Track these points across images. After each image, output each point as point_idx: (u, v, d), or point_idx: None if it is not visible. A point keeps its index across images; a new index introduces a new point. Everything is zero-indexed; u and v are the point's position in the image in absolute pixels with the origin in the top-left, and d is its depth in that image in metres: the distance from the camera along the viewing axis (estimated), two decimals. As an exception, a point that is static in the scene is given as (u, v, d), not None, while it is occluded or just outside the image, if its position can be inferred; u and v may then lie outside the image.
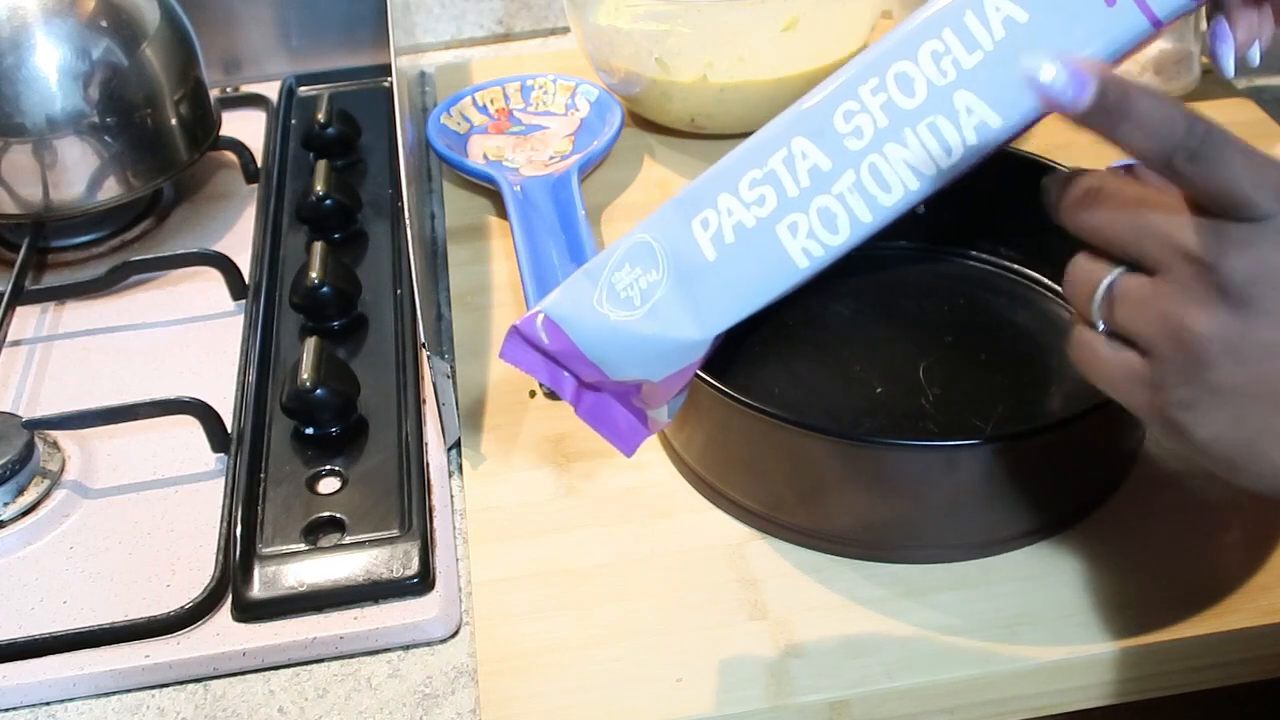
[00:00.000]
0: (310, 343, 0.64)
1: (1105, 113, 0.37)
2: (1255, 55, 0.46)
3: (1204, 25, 0.87)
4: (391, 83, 0.83)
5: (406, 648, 0.55)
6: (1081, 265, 0.42)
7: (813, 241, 0.44)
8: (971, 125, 0.43)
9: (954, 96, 0.42)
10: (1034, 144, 0.66)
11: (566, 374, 0.49)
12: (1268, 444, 0.39)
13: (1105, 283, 0.41)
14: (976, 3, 0.42)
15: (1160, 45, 0.83)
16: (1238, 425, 0.38)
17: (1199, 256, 0.38)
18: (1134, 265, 0.40)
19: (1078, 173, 0.42)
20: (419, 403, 0.65)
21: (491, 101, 0.87)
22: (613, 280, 0.47)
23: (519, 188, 0.77)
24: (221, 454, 0.63)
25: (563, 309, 0.48)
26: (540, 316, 0.48)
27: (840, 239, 0.44)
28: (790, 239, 0.44)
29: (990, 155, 0.44)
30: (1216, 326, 0.38)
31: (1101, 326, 0.41)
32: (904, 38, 0.44)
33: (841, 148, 0.43)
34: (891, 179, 0.43)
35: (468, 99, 0.86)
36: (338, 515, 0.58)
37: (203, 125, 0.82)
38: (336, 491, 0.60)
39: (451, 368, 0.63)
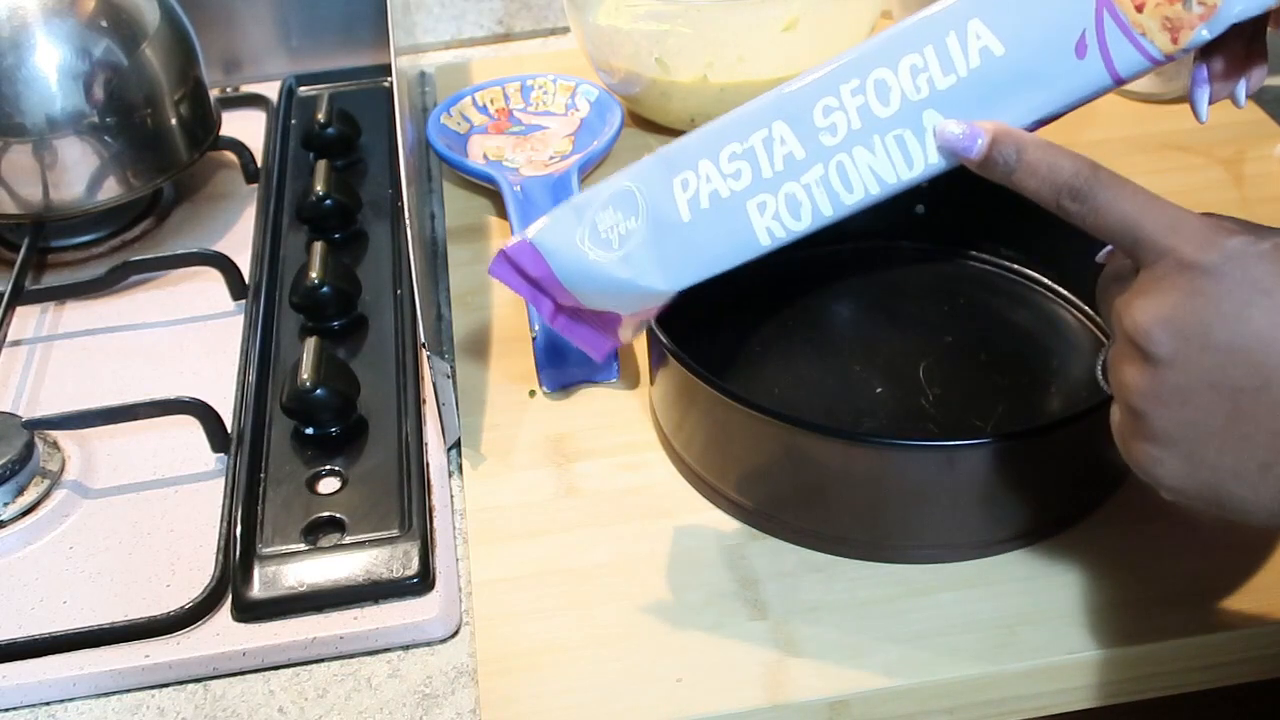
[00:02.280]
0: (310, 343, 0.64)
1: (998, 163, 0.42)
2: (1241, 96, 0.47)
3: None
4: (391, 83, 0.83)
5: (406, 648, 0.55)
6: None
7: (776, 223, 0.47)
8: (934, 146, 0.45)
9: (923, 114, 0.45)
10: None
11: (545, 297, 0.52)
12: (1229, 483, 0.39)
13: (1104, 350, 0.44)
14: (961, 25, 0.44)
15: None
16: (1194, 469, 0.40)
17: (1119, 314, 0.41)
18: None
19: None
20: (419, 403, 0.65)
21: (491, 101, 0.87)
22: (596, 220, 0.49)
23: (519, 188, 0.77)
24: (221, 454, 0.63)
25: (546, 240, 0.50)
26: (526, 244, 0.51)
27: (801, 225, 0.47)
28: (758, 216, 0.47)
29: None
30: (1137, 379, 0.40)
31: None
32: (891, 42, 0.45)
33: (816, 141, 0.46)
34: (855, 181, 0.46)
35: (468, 99, 0.86)
36: (338, 515, 0.59)
37: (203, 125, 0.82)
38: (336, 491, 0.60)
39: (451, 368, 0.63)
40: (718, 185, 0.47)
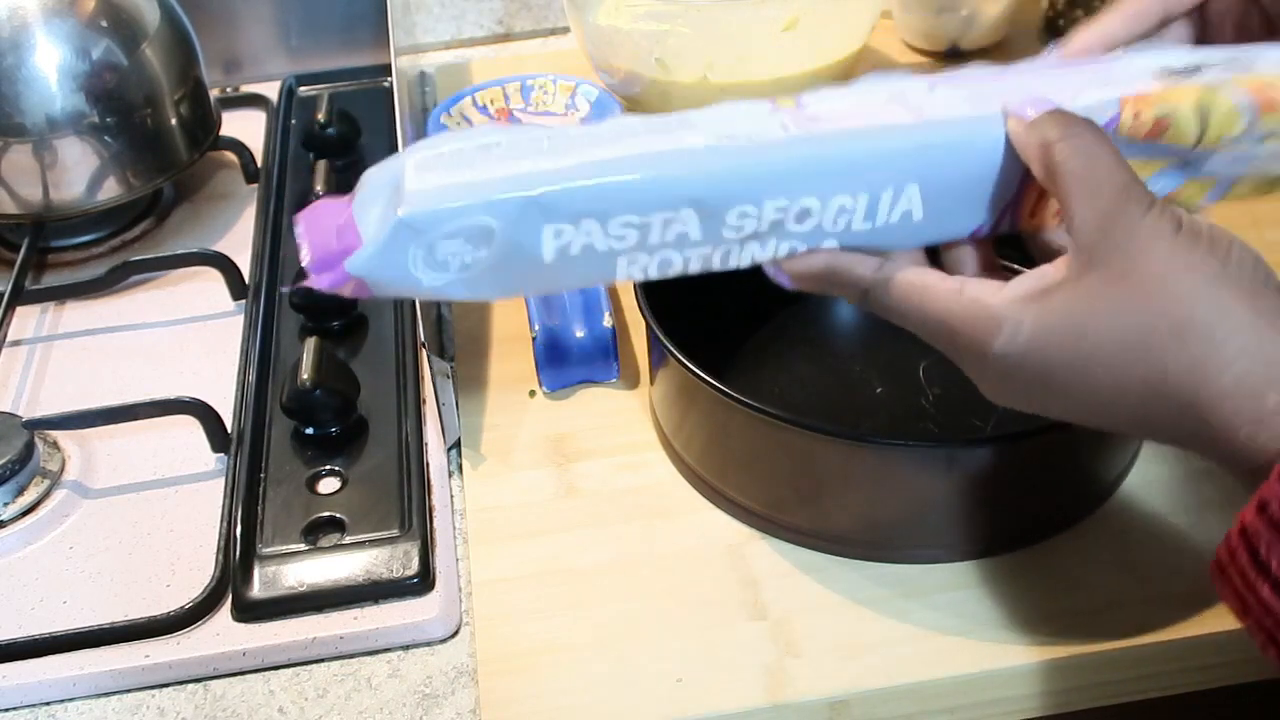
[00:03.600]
0: (310, 343, 0.64)
1: (812, 285, 0.46)
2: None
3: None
4: (391, 83, 0.83)
5: (406, 648, 0.55)
6: None
7: (639, 271, 0.46)
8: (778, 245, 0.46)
9: (824, 240, 0.45)
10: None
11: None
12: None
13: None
14: (901, 185, 0.44)
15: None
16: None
17: (1016, 301, 0.43)
18: None
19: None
20: (419, 403, 0.65)
21: (491, 102, 0.87)
22: (436, 245, 0.44)
23: (519, 188, 0.77)
24: (221, 454, 0.63)
25: (373, 269, 0.44)
26: (348, 264, 0.44)
27: (664, 275, 0.46)
28: (624, 265, 0.45)
29: None
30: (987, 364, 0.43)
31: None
32: (832, 171, 0.44)
33: (718, 234, 0.45)
34: (734, 261, 0.46)
35: (468, 99, 0.86)
36: (338, 515, 0.59)
37: (203, 125, 0.82)
38: (336, 491, 0.60)
39: (451, 368, 0.63)
40: (595, 241, 0.44)
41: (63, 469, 0.63)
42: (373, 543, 0.57)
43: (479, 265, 0.44)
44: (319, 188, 0.77)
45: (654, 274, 0.46)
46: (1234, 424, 0.38)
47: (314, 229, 0.46)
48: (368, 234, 0.44)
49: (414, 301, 0.62)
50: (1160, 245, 0.39)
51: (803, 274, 0.46)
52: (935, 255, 0.47)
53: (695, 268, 0.46)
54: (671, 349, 0.56)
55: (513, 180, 0.43)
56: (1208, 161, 0.46)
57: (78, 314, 0.75)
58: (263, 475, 0.61)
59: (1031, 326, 0.41)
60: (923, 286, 0.44)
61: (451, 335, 0.70)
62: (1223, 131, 0.44)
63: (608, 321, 0.65)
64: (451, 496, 0.61)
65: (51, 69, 0.74)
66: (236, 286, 0.74)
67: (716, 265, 0.46)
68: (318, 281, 0.45)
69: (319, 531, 0.58)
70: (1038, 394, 0.42)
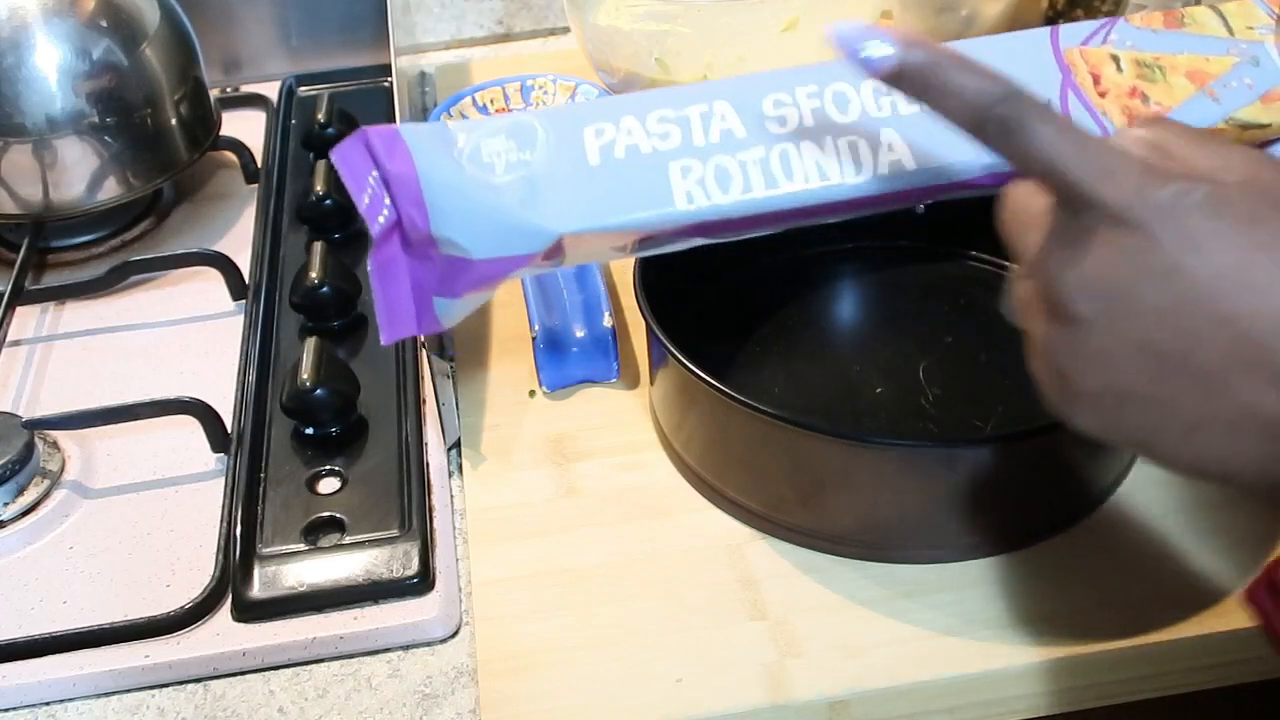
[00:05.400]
0: (310, 343, 0.64)
1: (912, 79, 0.37)
2: None
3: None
4: (391, 83, 0.83)
5: (406, 648, 0.55)
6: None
7: (700, 189, 0.43)
8: (888, 160, 0.44)
9: (882, 131, 0.43)
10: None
11: (388, 204, 0.44)
12: (1150, 438, 0.37)
13: (1008, 281, 0.41)
14: None
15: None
16: (1115, 423, 0.38)
17: (1039, 262, 0.38)
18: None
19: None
20: (419, 403, 0.65)
21: (491, 101, 0.87)
22: (481, 144, 0.44)
23: (519, 188, 0.77)
24: (221, 454, 0.63)
25: (420, 138, 0.44)
26: (392, 130, 0.44)
27: (727, 199, 0.43)
28: (679, 179, 0.43)
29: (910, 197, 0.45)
30: (1056, 338, 0.37)
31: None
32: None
33: (762, 126, 0.43)
34: (797, 169, 0.43)
35: (468, 99, 0.86)
36: (338, 515, 0.59)
37: (203, 125, 0.82)
38: (336, 491, 0.60)
39: (451, 368, 0.63)
40: (639, 140, 0.43)
41: (63, 469, 0.63)
42: (373, 543, 0.57)
43: (525, 168, 0.43)
44: (319, 188, 0.77)
45: (713, 192, 0.43)
46: None
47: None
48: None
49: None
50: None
51: (910, 45, 0.37)
52: None
53: (757, 181, 0.43)
54: (671, 349, 0.56)
55: (547, 108, 0.44)
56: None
57: (78, 314, 0.75)
58: (263, 475, 0.61)
59: (1197, 204, 0.35)
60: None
61: (451, 335, 0.70)
62: (1246, 20, 0.43)
63: (608, 321, 0.65)
64: (451, 496, 0.61)
65: (51, 69, 0.74)
66: (236, 286, 0.74)
67: (781, 178, 0.43)
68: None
69: (319, 531, 0.58)
70: (1145, 289, 0.35)
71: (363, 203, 0.45)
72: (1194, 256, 0.35)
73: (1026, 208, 0.39)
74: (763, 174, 0.43)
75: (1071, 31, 0.46)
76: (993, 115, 0.36)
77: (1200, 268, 0.35)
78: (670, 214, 0.44)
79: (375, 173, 0.44)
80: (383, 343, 0.48)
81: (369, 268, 0.46)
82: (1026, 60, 0.44)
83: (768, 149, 0.43)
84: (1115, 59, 0.45)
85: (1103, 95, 0.44)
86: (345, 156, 0.44)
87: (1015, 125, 0.36)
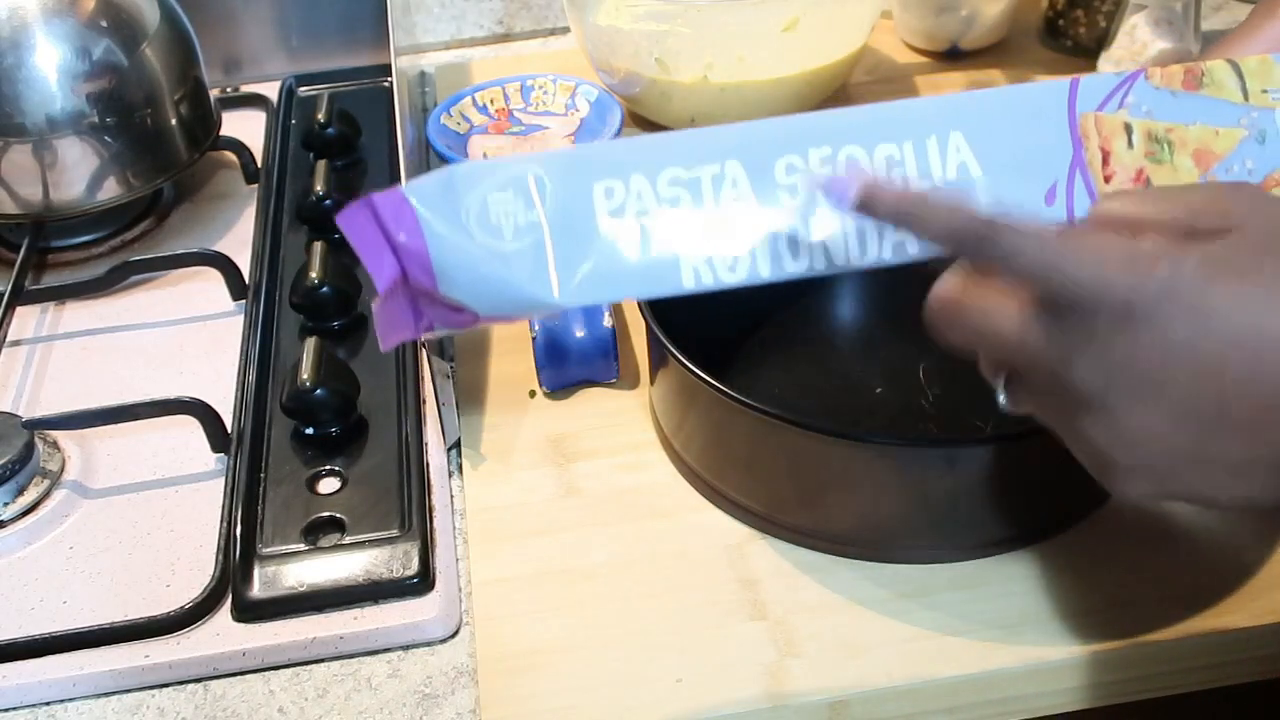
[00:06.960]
0: (310, 343, 0.64)
1: (889, 214, 0.40)
2: None
3: (1203, 25, 0.88)
4: (391, 83, 0.83)
5: (406, 648, 0.55)
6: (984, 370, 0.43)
7: (708, 269, 0.43)
8: (890, 242, 0.44)
9: None
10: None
11: (399, 270, 0.44)
12: (1198, 488, 0.39)
13: (1000, 385, 0.43)
14: (943, 132, 0.43)
15: (1160, 45, 0.83)
16: (1163, 486, 0.39)
17: (1038, 367, 0.39)
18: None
19: (942, 281, 0.42)
20: (419, 403, 0.65)
21: (491, 101, 0.87)
22: (488, 199, 0.43)
23: (519, 188, 0.77)
24: (221, 454, 0.63)
25: (427, 200, 0.43)
26: (400, 196, 0.43)
27: (733, 279, 0.43)
28: (688, 258, 0.43)
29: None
30: (1097, 432, 0.39)
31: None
32: (867, 125, 0.44)
33: (773, 195, 0.43)
34: (803, 250, 0.43)
35: (468, 99, 0.86)
36: (338, 515, 0.59)
37: (203, 125, 0.82)
38: (336, 491, 0.60)
39: (451, 368, 0.63)
40: (649, 205, 0.43)
41: (63, 469, 0.63)
42: (373, 543, 0.57)
43: (532, 234, 0.42)
44: (319, 188, 0.77)
45: (722, 272, 0.43)
46: None
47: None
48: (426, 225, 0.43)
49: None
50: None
51: (871, 190, 0.40)
52: None
53: (763, 265, 0.43)
54: (671, 349, 0.56)
55: (553, 153, 0.44)
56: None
57: (78, 314, 0.75)
58: (263, 475, 0.61)
59: (1193, 272, 0.36)
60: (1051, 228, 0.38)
61: (452, 336, 0.70)
62: (1264, 82, 0.43)
63: (608, 321, 0.65)
64: (451, 496, 0.61)
65: (51, 69, 0.74)
66: (236, 286, 0.74)
67: (787, 262, 0.43)
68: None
69: (319, 531, 0.58)
70: (1170, 366, 0.37)
71: (372, 268, 0.45)
72: (1206, 324, 0.36)
73: (984, 312, 0.40)
74: (770, 259, 0.43)
75: (1091, 89, 0.45)
76: (970, 238, 0.38)
77: (1215, 332, 0.36)
78: (676, 290, 0.44)
79: (380, 238, 0.44)
80: (382, 350, 0.48)
81: (373, 307, 0.46)
82: (1041, 125, 0.44)
83: (776, 230, 0.43)
84: (1129, 130, 0.45)
85: (1108, 180, 0.44)
86: (352, 225, 0.44)
87: (993, 244, 0.38)
